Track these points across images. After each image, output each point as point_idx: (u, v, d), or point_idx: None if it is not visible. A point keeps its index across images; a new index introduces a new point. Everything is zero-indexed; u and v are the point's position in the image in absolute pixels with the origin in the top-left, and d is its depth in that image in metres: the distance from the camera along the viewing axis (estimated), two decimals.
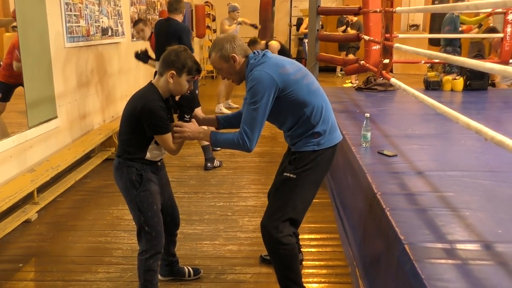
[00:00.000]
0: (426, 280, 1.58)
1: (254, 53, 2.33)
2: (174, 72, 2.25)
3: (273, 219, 2.32)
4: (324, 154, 2.35)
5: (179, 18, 4.66)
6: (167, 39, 4.37)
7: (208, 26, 11.20)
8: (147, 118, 2.22)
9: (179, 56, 2.25)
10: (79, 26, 4.86)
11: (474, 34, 7.81)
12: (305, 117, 2.30)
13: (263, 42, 6.76)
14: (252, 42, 6.49)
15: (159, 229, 2.38)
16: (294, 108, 2.29)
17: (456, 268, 1.67)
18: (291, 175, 2.33)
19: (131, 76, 6.70)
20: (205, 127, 2.45)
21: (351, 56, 9.33)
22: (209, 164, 4.76)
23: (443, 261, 1.72)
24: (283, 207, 2.32)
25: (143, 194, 2.33)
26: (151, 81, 2.37)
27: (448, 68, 6.64)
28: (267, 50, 2.41)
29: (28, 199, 3.72)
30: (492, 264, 1.70)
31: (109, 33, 5.74)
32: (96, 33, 5.34)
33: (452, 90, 5.50)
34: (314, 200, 3.74)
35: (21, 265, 2.97)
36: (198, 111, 5.16)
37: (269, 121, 2.44)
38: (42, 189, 3.96)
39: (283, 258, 2.35)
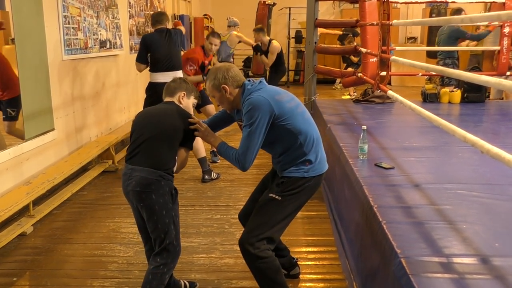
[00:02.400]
0: None
1: (249, 80, 2.41)
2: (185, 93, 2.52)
3: (250, 236, 2.35)
4: (311, 181, 2.40)
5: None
6: (175, 45, 4.72)
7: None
8: (191, 131, 2.44)
9: (186, 81, 2.56)
10: (77, 38, 4.87)
11: (473, 47, 7.84)
12: (298, 144, 2.35)
13: (267, 38, 6.74)
14: (259, 30, 6.61)
15: (180, 242, 2.47)
16: (288, 136, 2.33)
17: (453, 282, 1.65)
18: (276, 197, 2.37)
19: (129, 88, 6.71)
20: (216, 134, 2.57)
21: (349, 69, 9.34)
22: (206, 177, 4.74)
23: (439, 275, 1.71)
24: (262, 225, 2.35)
25: (176, 208, 2.43)
26: (170, 100, 2.52)
27: (447, 80, 6.66)
28: (263, 78, 2.50)
29: (23, 212, 3.70)
30: (489, 278, 1.69)
31: (108, 46, 5.76)
32: (94, 45, 5.35)
33: (449, 102, 5.52)
34: (312, 213, 3.79)
35: (15, 279, 2.93)
36: (211, 108, 5.21)
37: (261, 147, 2.45)
38: (38, 201, 3.94)
39: (264, 272, 2.36)
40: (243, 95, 2.35)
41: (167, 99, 2.53)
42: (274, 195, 2.37)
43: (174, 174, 2.48)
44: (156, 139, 2.35)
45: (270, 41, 6.66)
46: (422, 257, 1.82)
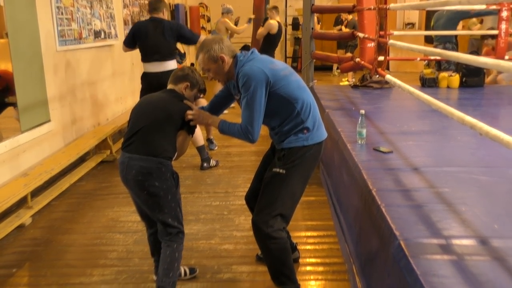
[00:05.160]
0: (421, 276, 1.55)
1: (241, 52, 2.38)
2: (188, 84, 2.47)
3: (263, 215, 2.33)
4: (312, 149, 2.38)
5: (163, 17, 4.62)
6: (165, 38, 4.45)
7: (202, 27, 11.18)
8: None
9: (195, 73, 2.51)
10: (71, 29, 4.83)
11: (473, 31, 7.79)
12: (295, 113, 2.32)
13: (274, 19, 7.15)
14: (272, 8, 7.17)
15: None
16: (285, 103, 2.31)
17: (452, 263, 1.65)
18: (280, 171, 2.35)
19: (125, 78, 6.67)
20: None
21: (349, 55, 9.30)
22: (205, 164, 4.74)
23: (438, 256, 1.70)
24: (272, 202, 2.34)
25: (179, 192, 2.45)
26: (171, 88, 2.49)
27: (446, 65, 6.62)
28: (254, 48, 2.46)
29: (22, 203, 3.68)
30: (488, 260, 1.68)
31: (102, 36, 5.71)
32: (89, 36, 5.31)
33: (448, 87, 5.49)
34: (310, 198, 3.79)
35: (14, 270, 2.94)
36: (203, 101, 5.08)
37: None
38: (36, 193, 3.93)
39: (275, 252, 2.35)
40: (236, 67, 2.33)
41: (170, 86, 2.50)
42: (278, 170, 2.35)
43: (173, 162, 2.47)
44: (151, 127, 2.34)
45: (266, 19, 7.16)
46: (421, 239, 1.81)
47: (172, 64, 4.55)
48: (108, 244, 3.22)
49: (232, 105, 2.91)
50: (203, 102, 5.05)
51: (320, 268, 2.86)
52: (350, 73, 9.59)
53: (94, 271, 2.87)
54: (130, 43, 4.57)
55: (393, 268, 1.82)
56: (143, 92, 4.52)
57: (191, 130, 2.46)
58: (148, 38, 4.47)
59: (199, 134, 4.71)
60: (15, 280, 2.84)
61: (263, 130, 2.36)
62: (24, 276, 2.92)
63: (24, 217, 3.55)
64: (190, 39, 4.67)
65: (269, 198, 2.35)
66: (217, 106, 2.62)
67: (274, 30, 6.96)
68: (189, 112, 2.39)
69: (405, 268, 1.67)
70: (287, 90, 2.28)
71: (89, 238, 3.33)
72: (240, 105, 2.35)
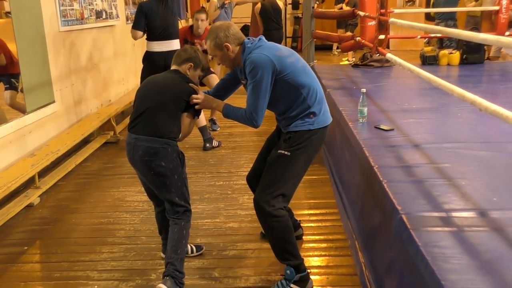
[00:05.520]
0: (423, 247, 1.61)
1: (249, 38, 2.42)
2: (192, 64, 2.52)
3: (265, 194, 2.39)
4: (317, 133, 2.43)
5: None
6: (174, 15, 4.64)
7: (202, 7, 11.08)
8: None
9: (197, 53, 2.55)
10: (73, 9, 4.82)
11: (473, 8, 7.74)
12: (301, 98, 2.37)
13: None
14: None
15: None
16: (291, 90, 2.35)
17: (452, 235, 1.71)
18: (285, 153, 2.40)
19: (127, 59, 6.67)
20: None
21: (349, 34, 9.26)
22: (207, 145, 4.79)
23: (439, 228, 1.76)
24: (275, 183, 2.39)
25: (186, 172, 2.50)
26: (175, 69, 2.52)
27: (447, 42, 6.61)
28: (261, 36, 2.50)
29: (29, 183, 3.75)
30: (487, 230, 1.74)
31: (104, 16, 5.70)
32: (91, 16, 5.30)
33: (448, 64, 5.50)
34: (313, 177, 3.85)
35: (26, 248, 3.01)
36: (213, 78, 5.04)
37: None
38: (43, 173, 3.99)
39: (277, 230, 2.41)
40: (243, 53, 2.37)
41: (174, 67, 2.54)
42: (283, 151, 2.40)
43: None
44: (157, 108, 2.38)
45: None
46: (422, 213, 1.87)
47: (177, 44, 4.60)
48: (116, 223, 3.30)
49: None
50: (215, 78, 5.09)
51: (324, 245, 2.94)
52: (350, 52, 9.57)
53: (103, 249, 2.94)
54: (141, 25, 4.53)
55: (395, 241, 1.88)
56: (147, 73, 4.52)
57: (196, 113, 2.50)
58: (157, 16, 4.51)
59: (202, 115, 4.74)
60: (27, 258, 2.92)
61: (266, 111, 2.40)
62: (35, 253, 3.01)
63: (33, 196, 3.62)
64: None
65: (272, 179, 2.41)
66: (223, 89, 2.67)
67: (258, 10, 7.41)
68: (194, 96, 2.43)
69: (407, 240, 1.74)
70: (294, 77, 2.33)
71: (97, 217, 3.40)
72: (246, 90, 2.40)
